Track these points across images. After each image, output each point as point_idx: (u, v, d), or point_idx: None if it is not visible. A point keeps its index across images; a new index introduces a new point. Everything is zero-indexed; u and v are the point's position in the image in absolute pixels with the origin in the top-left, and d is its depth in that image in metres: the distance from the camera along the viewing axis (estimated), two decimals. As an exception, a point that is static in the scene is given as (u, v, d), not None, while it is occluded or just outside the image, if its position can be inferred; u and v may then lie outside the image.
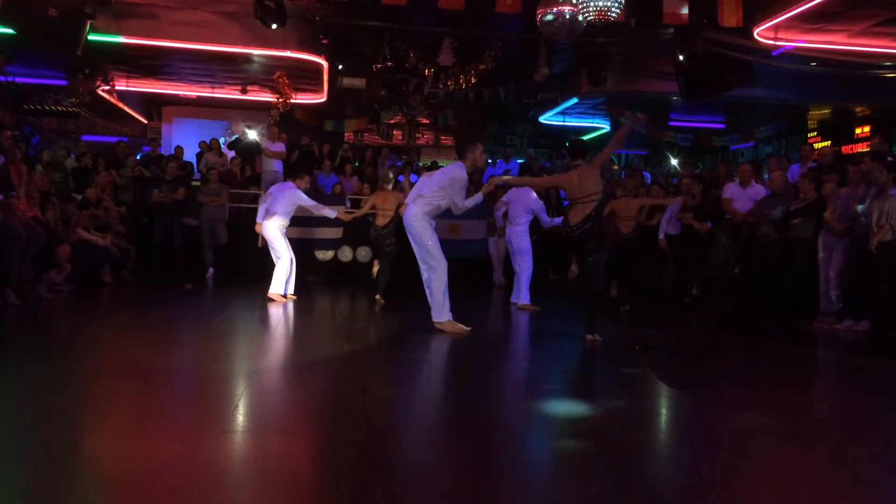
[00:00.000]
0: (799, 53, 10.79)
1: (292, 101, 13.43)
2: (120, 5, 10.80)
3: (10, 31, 10.75)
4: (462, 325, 6.24)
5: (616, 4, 8.12)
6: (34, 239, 7.32)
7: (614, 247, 8.44)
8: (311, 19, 11.51)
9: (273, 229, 8.28)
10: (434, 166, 14.23)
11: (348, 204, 10.90)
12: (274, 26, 10.25)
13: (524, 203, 8.48)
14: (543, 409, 4.11)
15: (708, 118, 17.08)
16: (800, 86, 12.96)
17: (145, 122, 17.58)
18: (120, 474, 2.76)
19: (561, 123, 17.09)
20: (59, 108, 14.21)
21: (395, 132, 17.82)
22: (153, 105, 16.85)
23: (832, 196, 7.62)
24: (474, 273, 10.95)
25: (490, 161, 15.93)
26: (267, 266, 8.46)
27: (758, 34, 10.38)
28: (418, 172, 13.89)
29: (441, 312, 6.23)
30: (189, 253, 10.57)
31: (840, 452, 3.44)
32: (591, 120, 17.29)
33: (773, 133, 16.93)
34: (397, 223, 8.24)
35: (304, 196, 8.39)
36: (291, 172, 9.63)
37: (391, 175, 11.35)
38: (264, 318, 7.28)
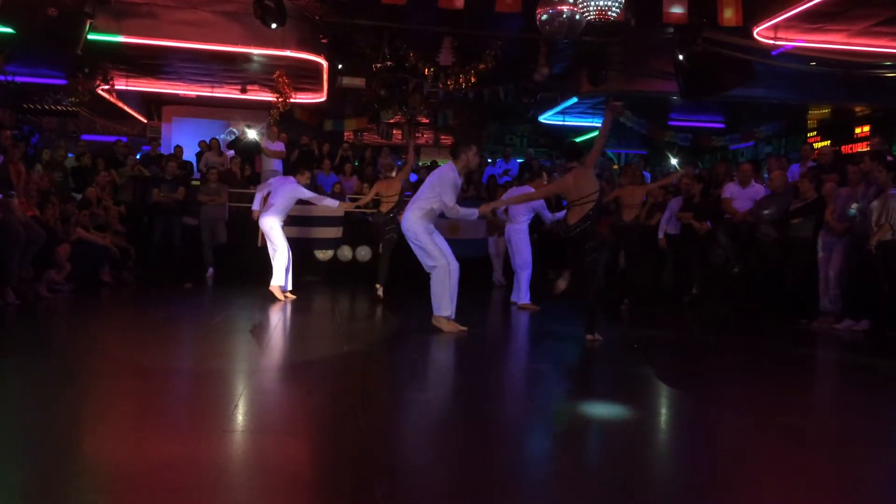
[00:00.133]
0: (798, 53, 10.80)
1: (292, 100, 13.44)
2: (119, 5, 10.81)
3: (9, 30, 10.76)
4: (459, 326, 6.22)
5: (616, 4, 8.12)
6: (34, 238, 7.32)
7: (613, 234, 8.45)
8: (311, 19, 11.51)
9: (271, 222, 8.30)
10: (434, 165, 14.23)
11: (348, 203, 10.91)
12: (274, 26, 10.25)
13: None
14: (543, 408, 4.12)
15: (708, 118, 17.08)
16: (799, 85, 12.96)
17: (145, 121, 17.58)
18: (120, 474, 2.76)
19: (561, 123, 17.09)
20: (59, 107, 14.20)
21: (394, 132, 17.82)
22: (153, 104, 16.85)
23: (832, 196, 7.62)
24: (474, 273, 10.94)
25: (490, 160, 15.94)
26: (267, 265, 8.46)
27: (757, 34, 10.39)
28: (418, 172, 13.90)
29: (439, 307, 6.20)
30: (189, 252, 10.57)
31: (840, 452, 3.44)
32: (590, 119, 17.28)
33: (773, 133, 16.93)
34: (399, 209, 8.27)
35: (304, 189, 8.40)
36: (291, 170, 9.64)
37: (393, 163, 11.35)
38: (264, 318, 7.28)
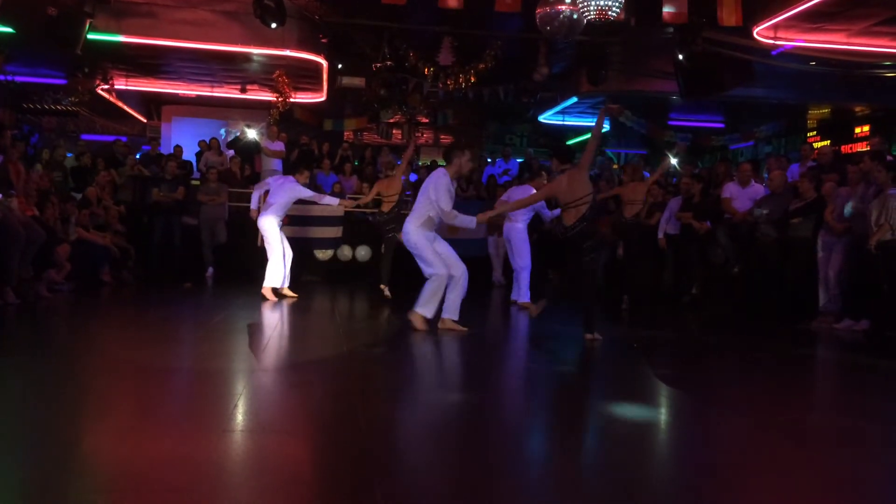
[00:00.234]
0: (798, 53, 10.79)
1: (292, 100, 13.44)
2: (119, 4, 10.80)
3: (9, 29, 10.76)
4: (424, 324, 6.18)
5: (616, 4, 8.11)
6: (33, 238, 7.31)
7: (615, 232, 8.46)
8: (311, 18, 11.50)
9: (269, 222, 8.27)
10: (434, 165, 14.22)
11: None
12: (273, 25, 10.24)
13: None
14: (543, 408, 4.12)
15: (707, 117, 17.08)
16: (799, 85, 12.96)
17: (145, 121, 17.57)
18: (119, 473, 2.76)
19: (560, 123, 17.08)
20: (59, 107, 14.20)
21: (394, 131, 17.82)
22: (152, 104, 16.84)
23: (832, 195, 7.62)
24: (474, 273, 10.92)
25: (490, 160, 15.95)
26: (266, 265, 8.45)
27: (757, 34, 10.39)
28: (418, 172, 13.90)
29: (422, 305, 6.21)
30: (188, 252, 10.57)
31: (840, 452, 3.44)
32: (590, 119, 17.27)
33: (773, 132, 16.93)
34: (401, 208, 8.26)
35: (304, 189, 8.37)
36: (291, 169, 9.64)
37: (393, 161, 11.35)
38: (264, 318, 7.27)
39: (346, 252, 11.16)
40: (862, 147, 14.33)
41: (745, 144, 17.83)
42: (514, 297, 8.53)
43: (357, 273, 10.90)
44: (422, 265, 6.25)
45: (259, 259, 8.87)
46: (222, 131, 14.94)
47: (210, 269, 10.55)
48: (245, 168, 12.81)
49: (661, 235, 9.20)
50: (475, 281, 10.59)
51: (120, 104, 15.39)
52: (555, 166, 6.38)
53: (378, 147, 15.48)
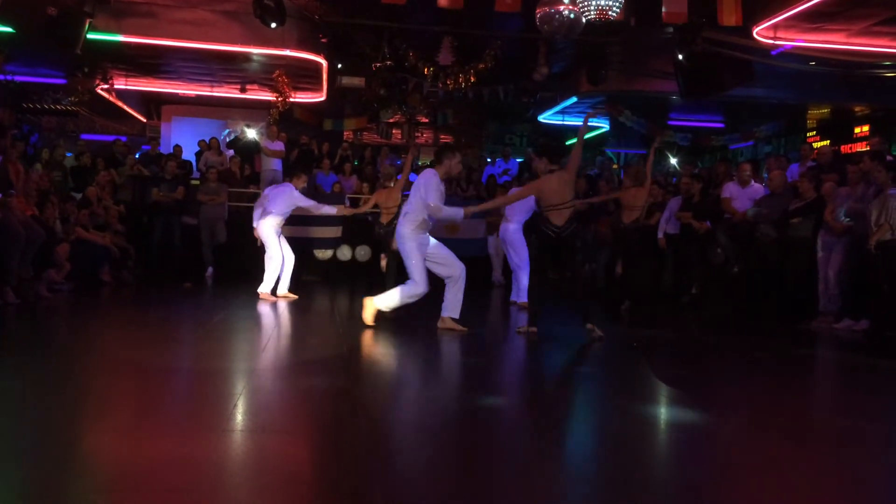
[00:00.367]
0: (798, 53, 10.80)
1: (291, 99, 13.44)
2: (119, 4, 10.80)
3: (9, 29, 10.76)
4: (371, 317, 6.25)
5: (616, 4, 8.12)
6: (33, 238, 7.31)
7: (614, 239, 8.46)
8: (311, 18, 11.50)
9: (268, 229, 8.27)
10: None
11: (347, 203, 10.90)
12: (273, 25, 10.24)
13: (524, 201, 8.47)
14: (543, 408, 4.11)
15: (707, 117, 17.08)
16: (799, 85, 12.96)
17: (144, 120, 17.58)
18: (119, 473, 2.76)
19: (560, 123, 17.08)
20: (59, 106, 14.21)
21: (394, 131, 17.83)
22: (152, 104, 16.84)
23: (831, 195, 7.62)
24: (474, 273, 10.92)
25: (490, 160, 15.95)
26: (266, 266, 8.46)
27: (757, 34, 10.39)
28: (418, 171, 13.90)
29: (384, 301, 6.26)
30: (188, 252, 10.57)
31: (840, 452, 3.44)
32: (590, 119, 17.26)
33: (773, 132, 16.94)
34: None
35: (302, 196, 8.37)
36: (289, 172, 9.66)
37: (393, 172, 11.34)
38: (263, 318, 7.27)
39: (345, 252, 11.16)
40: (862, 147, 14.34)
41: (744, 144, 17.83)
42: (513, 298, 8.53)
43: (357, 273, 10.89)
44: (408, 268, 6.24)
45: (259, 259, 8.87)
46: (224, 133, 14.94)
47: (210, 269, 10.55)
48: (245, 168, 12.82)
49: (660, 235, 9.20)
50: (475, 281, 10.64)
51: (120, 104, 15.40)
52: (543, 166, 6.39)
53: (378, 147, 15.49)
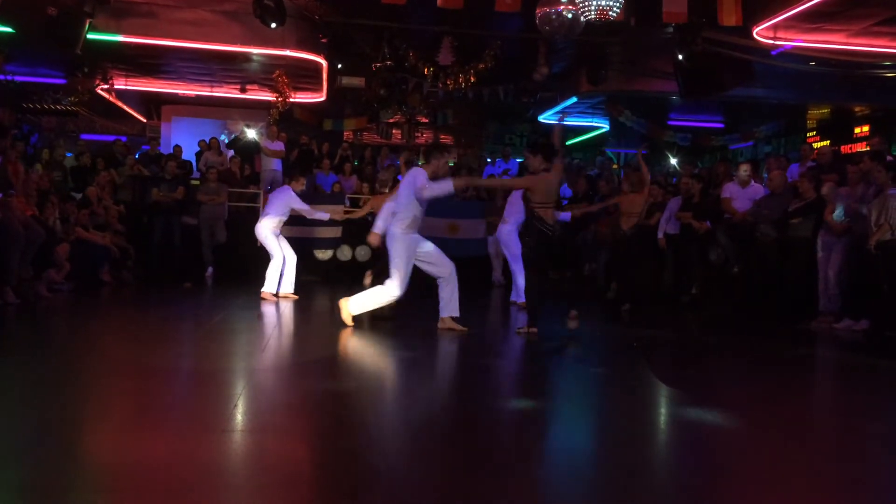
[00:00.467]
0: (798, 53, 10.79)
1: (291, 100, 13.43)
2: (119, 4, 10.79)
3: (9, 29, 10.75)
4: (349, 318, 6.26)
5: (616, 4, 8.11)
6: (33, 238, 7.32)
7: (613, 244, 8.46)
8: (311, 18, 11.50)
9: (265, 230, 8.33)
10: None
11: (347, 203, 10.90)
12: (273, 25, 10.24)
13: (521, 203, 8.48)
14: (543, 408, 4.11)
15: (707, 117, 17.08)
16: (799, 85, 12.96)
17: (144, 120, 17.57)
18: (119, 473, 2.76)
19: (560, 123, 17.05)
20: (59, 106, 14.19)
21: (394, 131, 17.83)
22: (152, 104, 16.84)
23: (831, 196, 7.61)
24: (474, 273, 10.95)
25: (490, 160, 15.95)
26: (266, 265, 8.46)
27: (757, 34, 10.39)
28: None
29: (356, 305, 6.27)
30: (188, 252, 10.57)
31: (839, 452, 3.44)
32: (590, 119, 17.28)
33: (773, 132, 16.94)
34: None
35: (298, 199, 8.43)
36: (288, 174, 9.70)
37: (389, 177, 11.37)
38: (263, 318, 7.27)
39: (345, 252, 11.16)
40: (861, 147, 14.34)
41: (744, 144, 17.83)
42: (513, 298, 8.52)
43: (357, 273, 10.87)
44: (391, 267, 6.24)
45: (259, 259, 8.88)
46: (223, 136, 14.93)
47: (210, 269, 10.55)
48: (245, 168, 12.81)
49: (660, 235, 9.19)
50: (476, 281, 10.67)
51: (120, 104, 15.39)
52: (538, 163, 6.38)
53: (378, 147, 15.49)
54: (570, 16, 8.35)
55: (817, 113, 16.18)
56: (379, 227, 6.32)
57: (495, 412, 3.98)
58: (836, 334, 7.13)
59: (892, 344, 6.55)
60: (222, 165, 12.35)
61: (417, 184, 6.06)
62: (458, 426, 3.61)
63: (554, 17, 8.45)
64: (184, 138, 14.57)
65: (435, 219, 11.18)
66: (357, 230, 10.99)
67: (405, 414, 3.88)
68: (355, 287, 9.91)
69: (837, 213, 7.35)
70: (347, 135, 17.14)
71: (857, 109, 15.36)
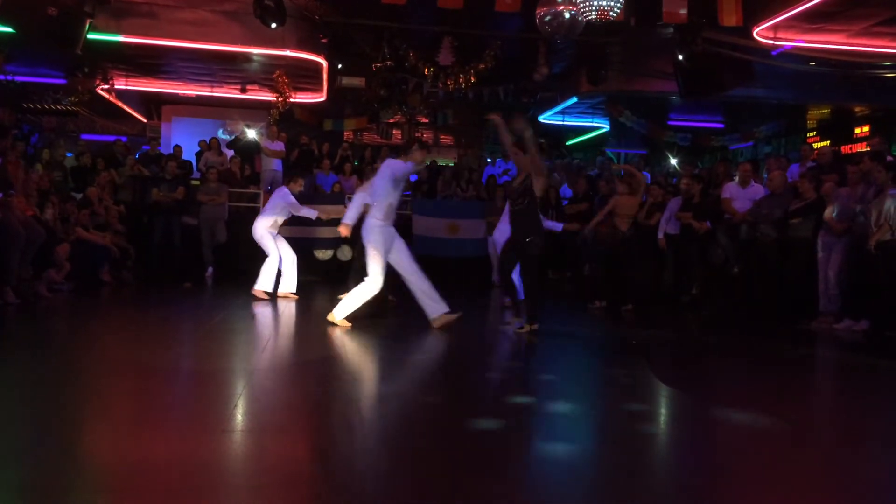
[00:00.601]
0: (798, 53, 10.80)
1: (292, 100, 13.44)
2: (119, 4, 10.80)
3: (9, 29, 10.76)
4: (343, 323, 6.30)
5: (616, 4, 8.12)
6: (33, 238, 7.32)
7: (612, 245, 8.46)
8: (311, 18, 11.51)
9: (261, 230, 8.37)
10: (433, 165, 14.23)
11: (347, 202, 10.90)
12: (273, 25, 10.25)
13: None
14: (543, 409, 4.11)
15: (707, 118, 17.08)
16: (799, 85, 12.96)
17: (144, 121, 17.58)
18: (119, 473, 2.76)
19: (560, 123, 17.08)
20: (59, 106, 14.20)
21: (394, 131, 17.83)
22: (152, 104, 16.84)
23: (831, 196, 7.62)
24: (474, 273, 10.96)
25: (490, 160, 15.96)
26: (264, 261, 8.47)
27: (757, 34, 10.39)
28: (418, 172, 13.88)
29: (341, 311, 6.30)
30: (188, 252, 10.56)
31: (839, 452, 3.44)
32: (590, 119, 17.29)
33: (773, 133, 16.94)
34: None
35: (291, 198, 8.47)
36: (287, 175, 9.74)
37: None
38: (263, 318, 7.28)
39: (345, 252, 11.14)
40: (862, 147, 14.34)
41: (744, 145, 17.83)
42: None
43: (357, 273, 10.87)
44: (368, 265, 6.25)
45: (259, 259, 8.87)
46: (220, 132, 14.94)
47: (210, 269, 10.55)
48: (245, 168, 12.81)
49: (660, 235, 9.19)
50: (475, 281, 10.67)
51: (120, 104, 15.40)
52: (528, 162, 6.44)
53: (378, 147, 15.48)
54: (568, 16, 8.35)
55: (817, 113, 16.18)
56: (350, 217, 6.34)
57: (495, 412, 3.97)
58: (836, 334, 7.13)
59: (892, 344, 6.55)
60: (222, 165, 12.35)
61: (397, 174, 6.12)
62: (458, 426, 3.61)
63: (553, 17, 8.44)
64: (184, 138, 14.57)
65: (435, 219, 11.21)
66: (358, 230, 10.99)
67: (405, 414, 3.88)
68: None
69: (828, 212, 7.37)
70: (347, 135, 17.15)
71: (857, 110, 15.36)
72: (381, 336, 6.38)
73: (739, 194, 8.66)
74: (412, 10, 10.34)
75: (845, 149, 14.72)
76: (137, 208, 11.04)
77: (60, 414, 3.50)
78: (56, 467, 2.76)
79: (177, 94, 15.34)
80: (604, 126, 17.55)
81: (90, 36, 10.21)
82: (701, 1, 9.63)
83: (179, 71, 13.83)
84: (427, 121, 17.37)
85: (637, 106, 15.30)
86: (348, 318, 6.32)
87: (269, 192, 8.77)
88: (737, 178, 8.93)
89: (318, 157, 13.15)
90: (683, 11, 9.61)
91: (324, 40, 12.27)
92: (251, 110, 15.57)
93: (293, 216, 8.63)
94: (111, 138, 14.79)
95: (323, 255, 11.05)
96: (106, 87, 13.58)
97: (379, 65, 12.81)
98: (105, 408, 3.79)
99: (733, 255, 8.58)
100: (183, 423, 3.46)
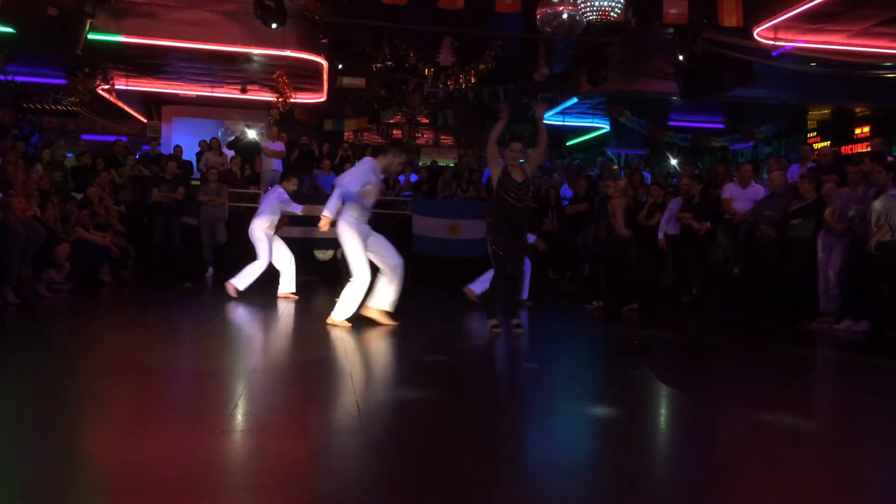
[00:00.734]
0: (798, 53, 10.80)
1: (292, 100, 13.44)
2: (120, 4, 10.82)
3: (9, 29, 10.76)
4: (345, 325, 6.29)
5: (617, 4, 8.12)
6: (33, 238, 7.32)
7: (609, 246, 8.47)
8: (311, 18, 11.51)
9: (258, 231, 8.32)
10: (433, 165, 14.24)
11: None
12: (274, 25, 10.25)
13: None
14: (543, 408, 4.11)
15: (707, 118, 17.08)
16: (799, 86, 12.97)
17: (145, 121, 17.58)
18: (119, 473, 2.76)
19: (561, 123, 17.08)
20: (59, 107, 14.21)
21: (394, 132, 17.84)
22: (153, 104, 16.85)
23: (831, 196, 7.62)
24: (474, 273, 10.93)
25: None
26: (267, 266, 8.46)
27: (757, 34, 10.39)
28: (418, 172, 13.90)
29: (340, 314, 6.30)
30: (188, 252, 10.57)
31: (839, 452, 3.44)
32: (590, 120, 17.29)
33: (773, 133, 16.94)
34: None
35: (286, 196, 8.46)
36: (283, 174, 9.74)
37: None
38: (264, 318, 7.27)
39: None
40: (862, 148, 14.34)
41: (745, 145, 17.83)
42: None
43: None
44: (350, 263, 6.26)
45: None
46: (220, 133, 14.94)
47: (210, 269, 10.55)
48: (245, 168, 12.81)
49: (661, 236, 9.18)
50: (475, 281, 10.64)
51: (120, 104, 15.40)
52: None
53: (378, 147, 15.49)
54: (577, 17, 8.35)
55: (818, 114, 16.18)
56: (330, 210, 6.34)
57: (495, 412, 3.97)
58: (836, 335, 7.13)
59: (892, 344, 6.55)
60: (223, 166, 12.35)
61: (368, 174, 6.17)
62: (459, 426, 3.61)
63: (555, 17, 8.45)
64: (184, 138, 14.58)
65: (435, 219, 11.21)
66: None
67: (405, 414, 3.87)
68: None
69: (828, 212, 7.38)
70: (348, 135, 17.15)
71: (857, 110, 15.36)
72: (381, 335, 6.37)
73: (740, 195, 8.66)
74: (412, 11, 10.34)
75: (846, 149, 14.72)
76: (137, 208, 11.04)
77: (60, 414, 3.50)
78: (56, 467, 2.76)
79: (177, 94, 15.35)
80: (604, 126, 17.54)
81: (90, 36, 10.21)
82: (701, 1, 9.63)
83: (180, 71, 13.84)
84: (427, 121, 17.37)
85: (637, 106, 15.31)
86: (348, 319, 6.31)
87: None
88: (737, 179, 8.93)
89: (319, 158, 13.15)
90: (684, 12, 9.61)
91: (324, 40, 12.27)
92: (251, 110, 15.58)
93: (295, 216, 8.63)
94: (111, 138, 14.80)
95: (323, 255, 11.04)
96: (106, 87, 13.59)
97: (379, 65, 12.81)
98: (105, 408, 3.79)
99: (733, 255, 8.58)
100: (183, 423, 3.45)
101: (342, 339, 5.97)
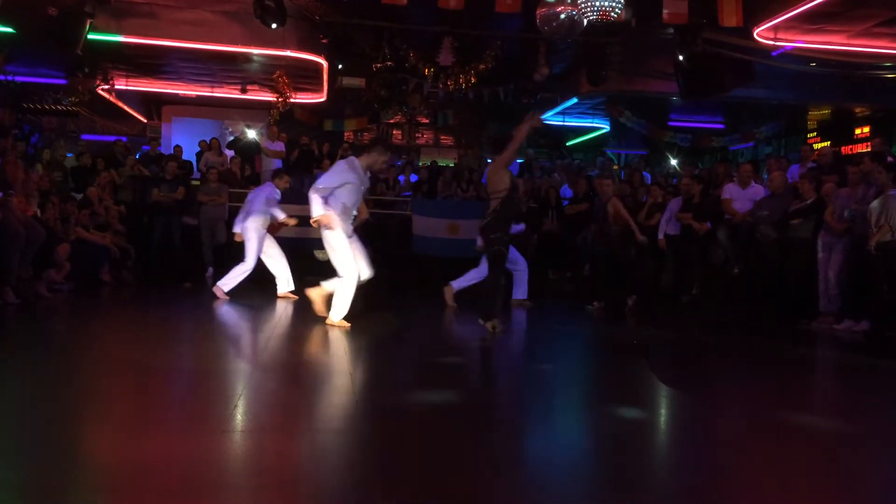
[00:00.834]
0: (798, 54, 10.80)
1: (292, 100, 13.44)
2: (120, 4, 10.81)
3: (9, 29, 10.76)
4: (343, 325, 6.30)
5: (617, 5, 8.12)
6: (33, 238, 7.31)
7: (606, 244, 8.48)
8: (311, 19, 11.51)
9: (251, 230, 8.24)
10: (433, 165, 14.23)
11: None
12: (273, 26, 10.25)
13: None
14: (543, 408, 4.11)
15: (707, 118, 17.08)
16: (799, 86, 12.96)
17: (145, 121, 17.57)
18: (119, 473, 2.76)
19: (561, 123, 17.08)
20: (59, 107, 14.20)
21: (394, 132, 17.83)
22: (153, 104, 16.84)
23: (832, 196, 7.62)
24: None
25: (490, 160, 15.92)
26: (265, 265, 8.45)
27: (757, 34, 10.39)
28: (418, 172, 13.90)
29: (336, 312, 6.31)
30: (188, 252, 10.56)
31: (840, 452, 3.44)
32: (590, 120, 17.29)
33: (773, 133, 16.93)
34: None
35: (276, 193, 8.40)
36: (275, 171, 9.71)
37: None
38: (263, 318, 7.27)
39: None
40: (862, 148, 14.33)
41: (745, 145, 17.83)
42: (515, 297, 8.52)
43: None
44: (336, 264, 6.27)
45: (259, 260, 8.87)
46: (221, 132, 14.94)
47: (210, 270, 10.54)
48: (245, 168, 12.80)
49: (661, 236, 9.19)
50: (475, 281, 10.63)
51: (120, 104, 15.39)
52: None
53: (359, 146, 15.47)
54: (565, 16, 8.35)
55: (818, 114, 16.18)
56: (319, 210, 6.34)
57: (495, 411, 3.97)
58: (836, 335, 7.13)
59: (892, 344, 6.55)
60: (223, 166, 12.35)
61: (346, 173, 6.19)
62: (459, 425, 3.61)
63: (555, 17, 8.45)
64: (184, 138, 14.56)
65: (435, 219, 11.21)
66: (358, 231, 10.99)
67: (405, 413, 3.87)
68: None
69: (829, 212, 7.38)
70: (348, 135, 17.15)
71: (857, 110, 15.36)
72: (380, 334, 6.37)
73: (739, 195, 8.66)
74: (412, 11, 10.34)
75: (846, 149, 14.71)
76: (137, 208, 11.03)
77: (60, 414, 3.50)
78: (56, 467, 2.76)
79: (177, 94, 15.34)
80: (604, 127, 17.54)
81: (90, 36, 10.21)
82: (701, 1, 9.63)
83: (179, 71, 13.83)
84: (427, 121, 17.37)
85: (637, 106, 15.30)
86: (346, 319, 6.31)
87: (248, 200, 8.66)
88: (737, 179, 8.94)
89: (319, 158, 13.14)
90: (684, 12, 9.61)
91: (324, 40, 12.27)
92: (251, 110, 15.57)
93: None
94: (111, 138, 14.79)
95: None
96: (106, 87, 13.58)
97: (379, 65, 12.81)
98: (105, 408, 3.79)
99: (733, 255, 8.58)
100: (183, 423, 3.45)
101: (341, 339, 5.97)
